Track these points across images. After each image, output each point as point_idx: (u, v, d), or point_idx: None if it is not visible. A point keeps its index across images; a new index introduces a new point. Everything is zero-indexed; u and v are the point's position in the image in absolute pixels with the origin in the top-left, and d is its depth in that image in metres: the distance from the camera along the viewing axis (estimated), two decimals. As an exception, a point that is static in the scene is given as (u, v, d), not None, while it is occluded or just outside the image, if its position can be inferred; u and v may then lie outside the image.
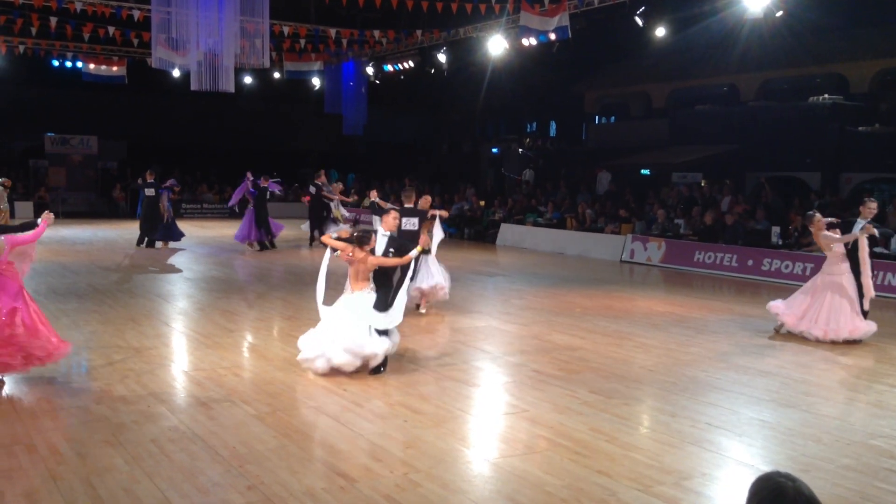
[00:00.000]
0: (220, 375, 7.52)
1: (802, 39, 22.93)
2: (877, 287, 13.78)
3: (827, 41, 23.83)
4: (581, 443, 5.88)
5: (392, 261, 8.08)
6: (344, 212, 19.99)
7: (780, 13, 16.63)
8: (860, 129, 22.41)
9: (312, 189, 20.26)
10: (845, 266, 9.88)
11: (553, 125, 39.06)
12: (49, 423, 6.06)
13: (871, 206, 10.12)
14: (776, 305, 10.25)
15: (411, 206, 10.99)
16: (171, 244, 18.92)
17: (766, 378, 7.98)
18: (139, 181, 19.52)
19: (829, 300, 9.79)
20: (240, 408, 6.51)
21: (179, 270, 15.49)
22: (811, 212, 10.33)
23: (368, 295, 7.79)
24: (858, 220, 10.06)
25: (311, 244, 20.05)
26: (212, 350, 8.60)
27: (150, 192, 18.68)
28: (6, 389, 6.91)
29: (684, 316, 11.61)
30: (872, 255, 10.59)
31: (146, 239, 18.79)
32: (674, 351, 9.22)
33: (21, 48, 24.20)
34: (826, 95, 23.52)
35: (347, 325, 7.52)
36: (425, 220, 10.88)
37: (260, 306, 11.69)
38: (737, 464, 5.64)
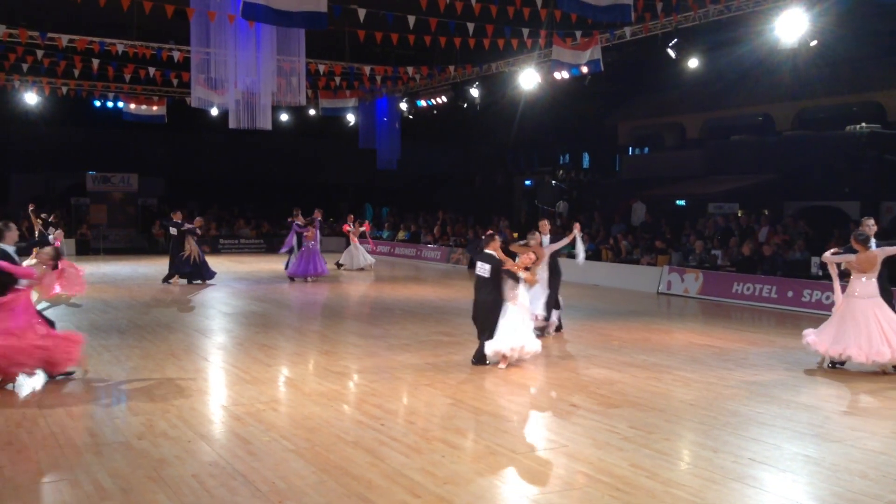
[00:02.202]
0: (259, 410, 7.57)
1: (838, 68, 22.77)
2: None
3: (863, 70, 23.62)
4: (621, 479, 5.81)
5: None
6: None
7: (814, 42, 16.55)
8: (899, 157, 22.10)
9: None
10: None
11: (586, 157, 39.05)
12: (92, 458, 6.14)
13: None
14: (806, 333, 10.13)
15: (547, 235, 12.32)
16: (207, 282, 19.16)
17: (809, 412, 7.83)
18: (167, 220, 20.04)
19: (869, 322, 9.58)
20: (279, 443, 6.54)
21: (217, 306, 15.68)
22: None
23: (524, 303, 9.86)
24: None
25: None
26: (250, 385, 8.67)
27: (173, 231, 19.05)
28: (49, 424, 7.03)
29: (724, 348, 11.45)
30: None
31: (166, 276, 19.16)
32: (714, 384, 9.09)
33: (64, 89, 24.88)
34: (863, 124, 23.25)
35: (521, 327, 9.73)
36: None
37: (297, 340, 11.77)
38: (781, 500, 5.52)
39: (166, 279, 19.00)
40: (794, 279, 16.26)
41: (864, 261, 9.71)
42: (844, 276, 10.26)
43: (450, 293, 18.35)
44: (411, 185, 37.39)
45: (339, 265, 23.54)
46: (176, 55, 20.30)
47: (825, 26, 15.92)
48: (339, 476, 5.79)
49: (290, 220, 21.12)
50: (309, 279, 20.17)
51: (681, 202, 26.48)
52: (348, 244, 24.26)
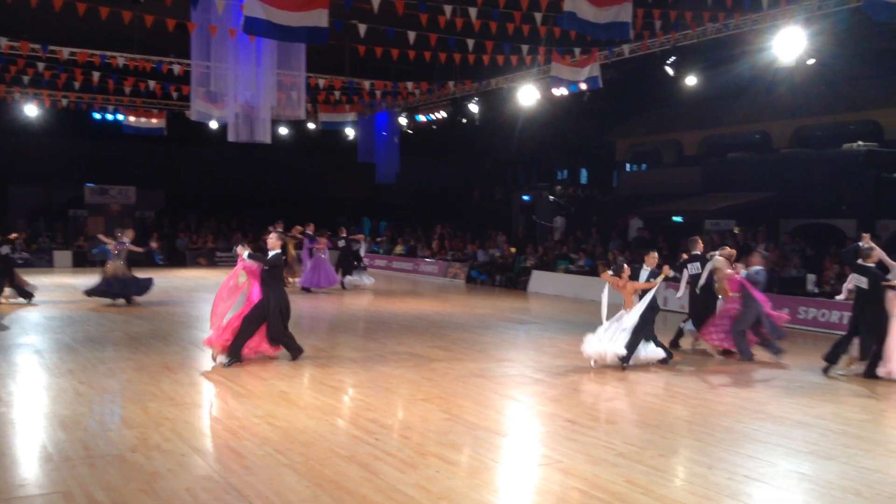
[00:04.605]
0: (254, 424, 7.56)
1: (835, 87, 22.93)
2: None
3: (860, 88, 23.77)
4: (616, 495, 5.80)
5: (645, 284, 10.96)
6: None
7: (811, 61, 16.65)
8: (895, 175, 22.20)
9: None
10: None
11: (584, 173, 39.17)
12: (85, 471, 6.12)
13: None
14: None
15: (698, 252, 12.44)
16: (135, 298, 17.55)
17: (803, 429, 7.83)
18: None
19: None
20: (273, 457, 6.53)
21: (214, 318, 15.66)
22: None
23: (630, 314, 10.75)
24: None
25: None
26: (245, 398, 8.65)
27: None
28: (44, 437, 7.02)
29: (719, 365, 11.44)
30: None
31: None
32: (709, 401, 9.08)
33: (64, 102, 24.95)
34: (860, 142, 23.37)
35: (619, 332, 10.66)
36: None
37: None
38: (776, 518, 5.53)
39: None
40: (790, 296, 16.27)
41: None
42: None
43: (447, 307, 18.35)
44: (410, 199, 37.47)
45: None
46: (176, 68, 20.38)
47: (823, 45, 16.02)
48: (334, 491, 5.78)
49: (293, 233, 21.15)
50: (321, 289, 20.51)
51: (678, 219, 26.54)
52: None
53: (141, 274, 17.96)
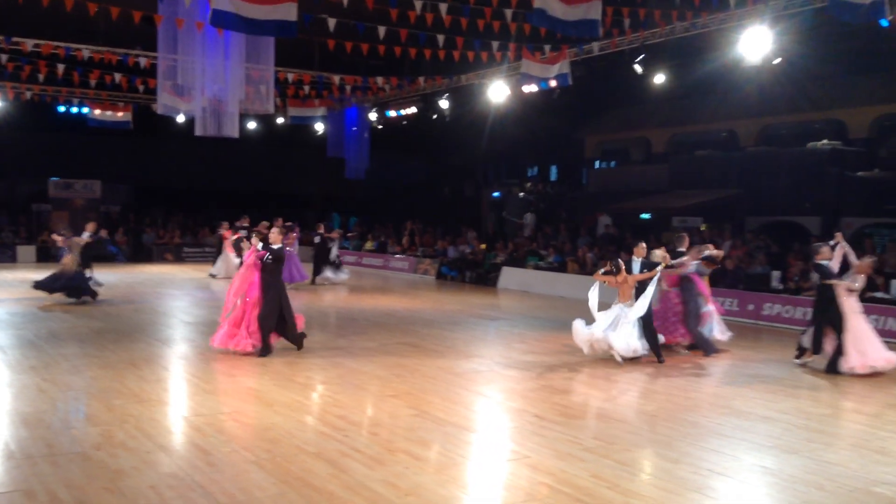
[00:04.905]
0: (221, 421, 7.49)
1: (801, 86, 23.24)
2: (880, 333, 13.81)
3: (826, 87, 24.13)
4: (583, 490, 5.84)
5: (645, 275, 11.03)
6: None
7: (778, 60, 16.85)
8: (859, 174, 22.57)
9: (244, 233, 21.24)
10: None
11: (554, 169, 39.34)
12: (48, 469, 6.03)
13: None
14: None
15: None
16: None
17: (767, 423, 7.94)
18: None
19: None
20: (239, 454, 6.48)
21: (179, 315, 15.51)
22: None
23: (633, 306, 10.92)
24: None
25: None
26: (212, 395, 8.58)
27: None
28: (6, 434, 6.90)
29: (685, 360, 11.56)
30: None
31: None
32: (675, 396, 9.18)
33: (28, 94, 24.49)
34: (825, 141, 23.74)
35: (625, 325, 10.86)
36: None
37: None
38: (739, 512, 5.60)
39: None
40: (755, 293, 16.50)
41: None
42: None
43: (416, 304, 18.34)
44: (380, 195, 37.37)
45: (212, 276, 22.77)
46: (142, 61, 20.09)
47: (789, 44, 16.22)
48: (300, 488, 5.75)
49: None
50: (291, 285, 20.21)
51: (646, 216, 26.77)
52: (220, 252, 22.97)
53: (104, 271, 17.60)
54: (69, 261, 16.22)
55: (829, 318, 10.66)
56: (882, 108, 24.24)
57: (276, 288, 10.99)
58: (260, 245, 11.09)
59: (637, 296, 11.06)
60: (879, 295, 14.76)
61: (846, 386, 10.05)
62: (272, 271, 10.99)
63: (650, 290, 11.02)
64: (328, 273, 21.98)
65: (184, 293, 19.01)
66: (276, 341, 11.21)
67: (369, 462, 6.35)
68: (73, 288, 16.22)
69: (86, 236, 16.64)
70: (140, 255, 29.39)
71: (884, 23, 12.96)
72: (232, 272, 22.42)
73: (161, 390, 8.92)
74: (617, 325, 10.97)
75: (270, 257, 10.93)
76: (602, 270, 11.51)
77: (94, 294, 16.56)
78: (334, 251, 22.34)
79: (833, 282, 10.65)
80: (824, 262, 10.89)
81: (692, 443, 7.16)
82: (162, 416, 7.81)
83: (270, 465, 6.23)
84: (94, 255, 17.69)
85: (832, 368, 10.55)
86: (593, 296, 11.32)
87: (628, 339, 10.87)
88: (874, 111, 24.36)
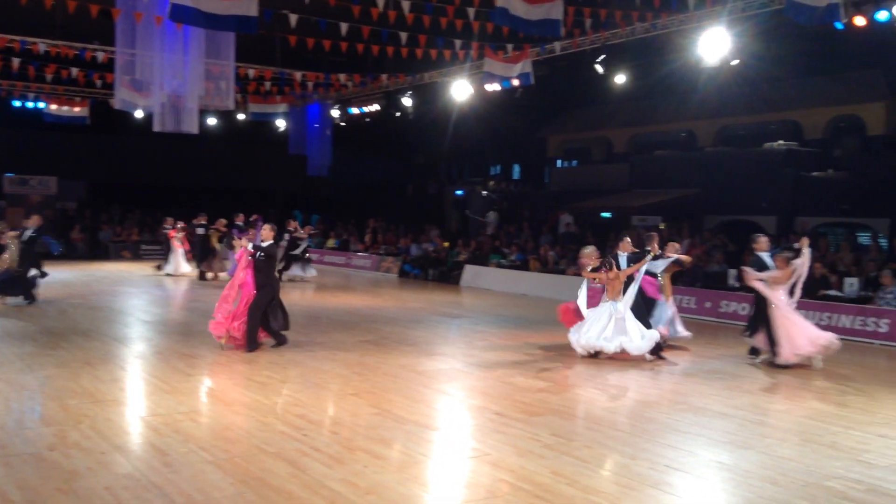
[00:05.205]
0: (178, 421, 7.40)
1: (758, 88, 23.67)
2: (829, 330, 14.13)
3: (782, 89, 24.58)
4: (542, 486, 5.88)
5: (636, 266, 11.14)
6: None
7: (735, 62, 17.13)
8: (814, 174, 23.03)
9: (201, 230, 21.38)
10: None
11: (517, 168, 39.54)
12: (0, 470, 5.90)
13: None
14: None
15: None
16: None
17: (723, 419, 8.07)
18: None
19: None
20: (197, 454, 6.41)
21: (137, 313, 15.29)
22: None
23: (622, 301, 10.95)
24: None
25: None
26: (169, 395, 8.47)
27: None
28: (-45, 436, 6.74)
29: (644, 357, 11.69)
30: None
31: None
32: (634, 393, 9.29)
33: (-18, 88, 24.01)
34: (781, 142, 24.18)
35: (623, 324, 10.88)
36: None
37: (219, 349, 11.52)
38: (695, 506, 5.69)
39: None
40: (712, 290, 16.76)
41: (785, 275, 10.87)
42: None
43: (378, 302, 18.31)
44: (342, 192, 37.19)
45: (161, 270, 22.67)
46: (100, 56, 19.78)
47: (746, 46, 16.50)
48: (259, 488, 5.70)
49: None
50: None
51: (606, 214, 27.03)
52: (169, 249, 22.79)
53: (59, 269, 17.18)
54: (7, 257, 15.21)
55: (757, 312, 11.17)
56: (836, 109, 24.79)
57: (270, 286, 11.06)
58: (250, 245, 11.07)
59: (624, 290, 11.20)
60: (833, 293, 15.07)
61: (800, 382, 10.26)
62: (265, 269, 11.03)
63: (638, 279, 11.19)
64: (297, 270, 21.90)
65: (141, 291, 18.74)
66: (267, 339, 11.35)
67: (329, 461, 6.33)
68: (7, 286, 15.20)
69: (28, 232, 15.51)
70: (97, 252, 28.91)
71: (838, 25, 13.25)
72: (182, 268, 22.23)
73: (117, 390, 8.78)
74: (617, 327, 10.93)
75: (262, 255, 10.94)
76: (590, 268, 11.60)
77: (30, 297, 15.49)
78: (303, 248, 22.28)
79: (744, 268, 11.23)
80: (760, 254, 11.28)
81: (650, 439, 7.25)
82: (118, 416, 7.69)
83: (228, 465, 6.17)
84: (42, 252, 16.90)
85: (770, 362, 10.93)
86: (582, 294, 11.43)
87: (639, 343, 10.92)
88: (829, 112, 24.90)
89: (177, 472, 5.96)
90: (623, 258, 11.44)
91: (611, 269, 11.16)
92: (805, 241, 11.37)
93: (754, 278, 11.04)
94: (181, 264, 22.36)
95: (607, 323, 11.02)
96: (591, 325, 11.11)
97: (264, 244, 11.10)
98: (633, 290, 11.14)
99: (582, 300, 11.44)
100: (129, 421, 7.59)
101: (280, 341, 11.41)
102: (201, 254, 21.63)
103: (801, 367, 10.96)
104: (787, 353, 10.76)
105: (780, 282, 10.89)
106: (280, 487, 5.72)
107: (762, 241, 11.46)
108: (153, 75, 16.90)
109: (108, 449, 6.50)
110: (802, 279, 11.07)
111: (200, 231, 21.44)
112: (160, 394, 8.56)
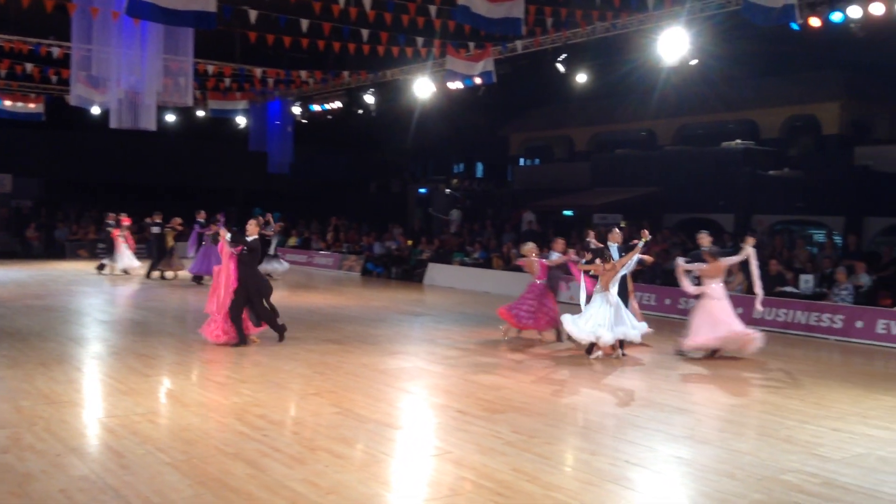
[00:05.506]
0: (135, 422, 7.28)
1: (716, 88, 24.03)
2: (784, 325, 14.41)
3: (739, 89, 24.98)
4: (504, 484, 5.89)
5: (630, 254, 11.25)
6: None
7: (694, 62, 17.33)
8: (770, 172, 23.42)
9: (157, 229, 21.07)
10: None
11: (480, 166, 39.65)
12: (-51, 476, 5.76)
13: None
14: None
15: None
16: None
17: (682, 415, 8.18)
18: None
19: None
20: (154, 456, 6.31)
21: (93, 313, 15.02)
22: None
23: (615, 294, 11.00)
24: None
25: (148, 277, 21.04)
26: (126, 396, 8.33)
27: None
28: None
29: (605, 354, 11.79)
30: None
31: None
32: (594, 389, 9.36)
33: (-68, 84, 23.36)
34: (738, 141, 24.57)
35: (617, 313, 10.91)
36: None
37: (178, 349, 11.37)
38: (654, 501, 5.75)
39: None
40: (671, 287, 16.92)
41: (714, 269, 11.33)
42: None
43: (341, 300, 18.22)
44: (304, 190, 36.94)
45: (104, 270, 22.16)
46: (56, 51, 19.37)
47: (704, 46, 16.70)
48: (217, 489, 5.63)
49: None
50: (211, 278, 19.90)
51: (568, 212, 27.23)
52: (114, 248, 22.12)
53: (9, 268, 16.83)
54: None
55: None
56: (792, 109, 25.28)
57: (253, 279, 11.30)
58: (228, 236, 11.28)
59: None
60: (789, 289, 15.34)
61: (756, 377, 10.43)
62: (248, 263, 11.23)
63: (626, 270, 11.36)
64: (275, 265, 21.81)
65: (98, 291, 18.42)
66: (257, 332, 11.56)
67: (289, 461, 6.27)
68: None
69: None
70: (52, 251, 28.34)
71: (794, 26, 13.46)
72: (125, 264, 21.76)
73: (73, 391, 8.62)
74: (616, 317, 11.01)
75: (246, 249, 11.14)
76: (584, 261, 11.81)
77: None
78: (274, 244, 22.10)
79: (677, 260, 11.85)
80: (704, 248, 11.69)
81: (610, 435, 7.32)
82: (73, 417, 7.55)
83: (186, 466, 6.09)
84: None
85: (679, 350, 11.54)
86: (583, 289, 11.50)
87: (630, 329, 11.09)
88: (785, 112, 25.38)
89: (133, 474, 5.86)
90: (614, 249, 11.66)
91: (607, 261, 11.20)
92: (750, 240, 11.67)
93: (682, 269, 11.56)
94: (125, 260, 21.84)
95: (608, 313, 11.02)
96: (590, 315, 11.08)
97: (249, 238, 11.28)
98: (616, 279, 11.23)
99: (582, 294, 11.46)
100: (85, 423, 7.45)
101: (280, 333, 11.72)
102: (157, 253, 21.29)
103: (736, 359, 11.34)
104: (688, 342, 11.25)
105: (709, 274, 11.32)
106: (239, 488, 5.66)
107: (703, 237, 11.90)
108: (110, 71, 16.57)
109: (63, 451, 6.38)
110: (756, 275, 11.43)
111: (156, 230, 21.09)
112: (117, 395, 8.42)
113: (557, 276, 13.11)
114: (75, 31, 16.47)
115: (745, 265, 11.93)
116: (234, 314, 11.16)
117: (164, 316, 15.15)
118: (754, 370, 10.84)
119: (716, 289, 11.32)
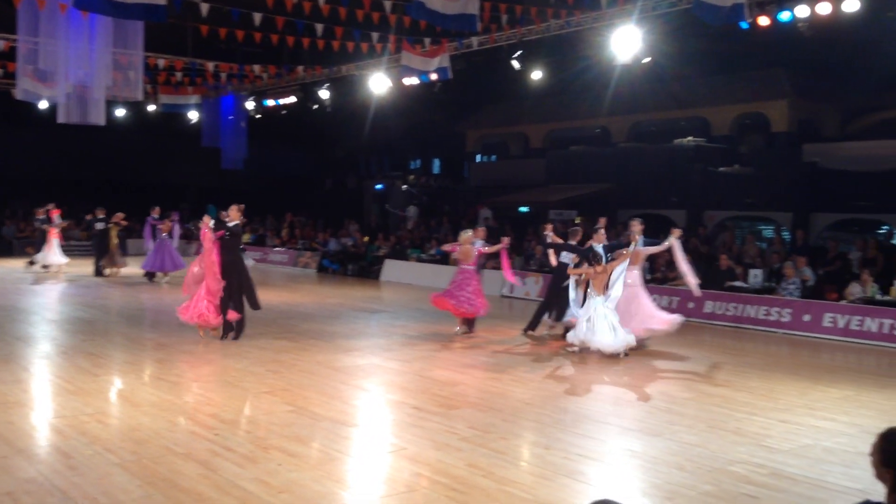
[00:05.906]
0: (84, 423, 7.14)
1: (668, 85, 24.37)
2: (735, 319, 14.69)
3: (690, 87, 25.35)
4: (458, 479, 5.91)
5: (624, 257, 11.27)
6: None
7: (647, 60, 17.54)
8: (721, 169, 23.81)
9: (100, 224, 20.85)
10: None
11: (436, 163, 39.64)
12: None
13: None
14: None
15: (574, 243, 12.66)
16: None
17: (634, 408, 8.29)
18: None
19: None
20: (103, 456, 6.20)
21: (41, 312, 14.69)
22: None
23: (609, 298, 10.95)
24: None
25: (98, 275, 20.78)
26: (75, 396, 8.16)
27: None
28: None
29: (559, 349, 11.90)
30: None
31: None
32: (548, 383, 9.44)
33: None
34: (690, 138, 24.94)
35: (610, 318, 10.85)
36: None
37: (128, 348, 11.18)
38: (606, 493, 5.81)
39: None
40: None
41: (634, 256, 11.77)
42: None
43: (296, 297, 18.08)
44: (258, 186, 36.55)
45: (35, 265, 21.84)
46: (1, 44, 18.87)
47: (656, 44, 16.92)
48: (167, 489, 5.55)
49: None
50: (166, 275, 19.72)
51: (524, 209, 27.37)
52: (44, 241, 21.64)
53: None
54: None
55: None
56: (742, 107, 25.73)
57: (236, 266, 11.55)
58: (212, 223, 11.45)
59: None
60: (738, 284, 15.63)
61: (706, 370, 10.62)
62: (231, 248, 11.47)
63: (622, 273, 11.28)
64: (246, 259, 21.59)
65: (46, 289, 18.02)
66: (235, 318, 11.63)
67: (241, 461, 6.21)
68: None
69: None
70: (0, 248, 27.64)
71: (743, 25, 13.72)
72: (49, 260, 21.19)
73: (20, 392, 8.42)
74: (604, 322, 10.86)
75: (228, 234, 11.35)
76: (573, 264, 11.83)
77: None
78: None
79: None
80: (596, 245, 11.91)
81: (564, 429, 7.38)
82: (21, 418, 7.37)
83: (136, 466, 5.99)
84: None
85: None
86: (572, 292, 11.55)
87: (614, 338, 10.86)
88: (735, 110, 25.82)
89: (82, 476, 5.75)
90: (599, 248, 11.64)
91: (599, 263, 11.06)
92: (676, 232, 12.10)
93: (570, 271, 11.74)
94: (51, 256, 21.29)
95: (605, 316, 10.91)
96: (594, 322, 10.88)
97: (230, 224, 11.50)
98: (619, 282, 11.13)
99: (576, 298, 11.48)
100: (33, 424, 7.29)
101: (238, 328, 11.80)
102: (100, 249, 20.91)
103: (686, 355, 11.52)
104: (571, 336, 11.37)
105: (603, 273, 11.15)
106: (190, 489, 5.58)
107: (634, 224, 12.08)
108: (58, 65, 16.22)
109: (9, 453, 6.23)
110: (683, 263, 11.98)
111: (99, 225, 20.71)
112: (65, 395, 8.25)
113: (483, 264, 13.66)
114: (21, 23, 16.09)
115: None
116: (222, 303, 11.35)
117: (113, 314, 14.88)
118: (704, 363, 11.03)
119: (634, 275, 11.74)
